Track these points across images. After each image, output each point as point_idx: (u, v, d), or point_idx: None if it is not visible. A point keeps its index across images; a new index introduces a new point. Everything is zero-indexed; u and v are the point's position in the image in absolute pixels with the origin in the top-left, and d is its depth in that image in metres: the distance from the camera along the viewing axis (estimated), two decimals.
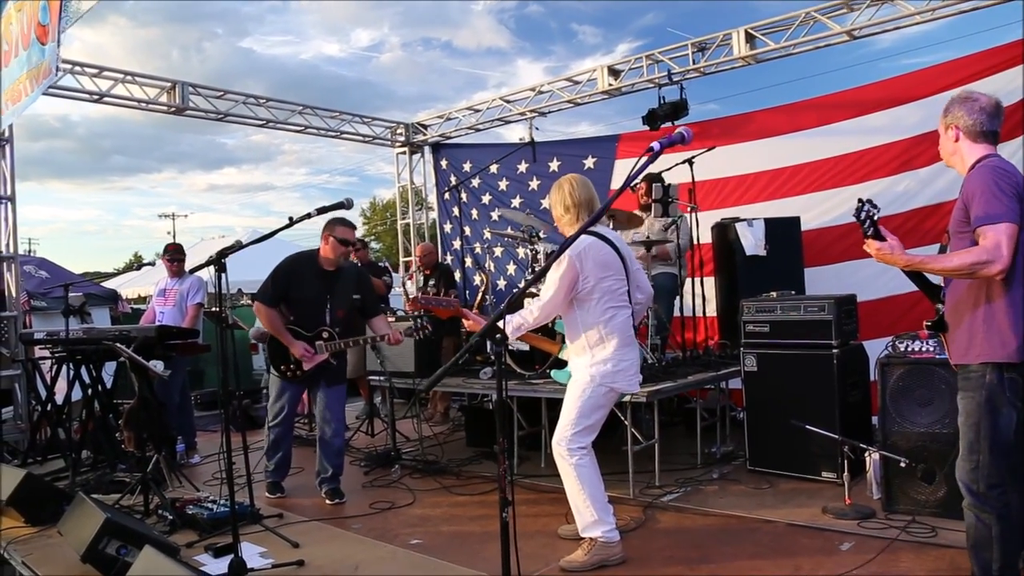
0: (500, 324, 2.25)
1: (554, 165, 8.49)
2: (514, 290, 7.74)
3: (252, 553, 3.69)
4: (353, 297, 4.91)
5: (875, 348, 4.46)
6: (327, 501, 4.87)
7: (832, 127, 6.56)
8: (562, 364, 3.91)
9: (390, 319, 6.18)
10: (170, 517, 4.25)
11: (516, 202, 8.78)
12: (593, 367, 3.55)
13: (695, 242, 6.19)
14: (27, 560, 3.80)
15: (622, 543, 3.62)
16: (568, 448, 3.56)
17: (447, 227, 9.97)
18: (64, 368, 5.72)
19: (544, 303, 3.50)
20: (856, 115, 6.42)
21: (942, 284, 2.89)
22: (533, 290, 4.52)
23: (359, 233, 6.32)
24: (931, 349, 3.89)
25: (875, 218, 2.68)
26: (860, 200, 2.69)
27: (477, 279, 9.01)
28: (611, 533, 3.57)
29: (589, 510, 3.56)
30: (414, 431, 6.40)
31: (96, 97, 7.33)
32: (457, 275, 8.46)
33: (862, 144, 6.33)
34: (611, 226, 5.52)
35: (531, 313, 3.52)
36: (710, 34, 7.14)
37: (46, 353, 6.57)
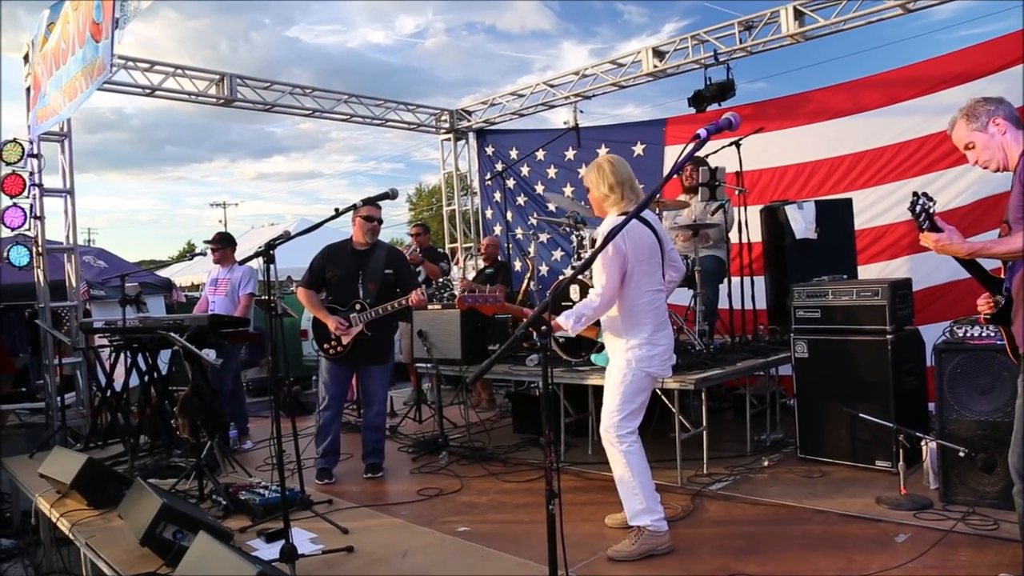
0: (545, 315, 2.24)
1: (602, 152, 8.40)
2: (559, 276, 7.71)
3: (303, 539, 3.76)
4: (385, 272, 5.16)
5: (932, 333, 4.32)
6: (364, 475, 5.24)
7: (897, 107, 6.26)
8: (601, 348, 3.89)
9: (436, 306, 6.22)
10: (223, 502, 4.35)
11: (568, 190, 8.72)
12: (629, 351, 3.54)
13: (742, 232, 6.02)
14: (90, 542, 3.93)
15: (670, 533, 3.59)
16: (618, 435, 3.55)
17: (488, 213, 9.99)
18: (122, 356, 5.89)
19: (602, 291, 3.47)
20: (923, 92, 6.10)
21: (1002, 275, 2.78)
22: (581, 278, 4.51)
23: (406, 218, 6.39)
24: (991, 334, 3.75)
25: (931, 211, 2.61)
26: (915, 193, 2.62)
27: (518, 265, 9.02)
28: (660, 523, 3.54)
29: (638, 497, 3.54)
30: (461, 418, 6.45)
31: (148, 91, 7.52)
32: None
33: (928, 128, 6.03)
34: (657, 211, 5.47)
35: (591, 304, 3.49)
36: (757, 12, 6.97)
37: (105, 341, 6.79)
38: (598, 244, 3.59)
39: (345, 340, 5.05)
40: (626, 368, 3.54)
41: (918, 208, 2.61)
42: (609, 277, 3.44)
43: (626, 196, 3.60)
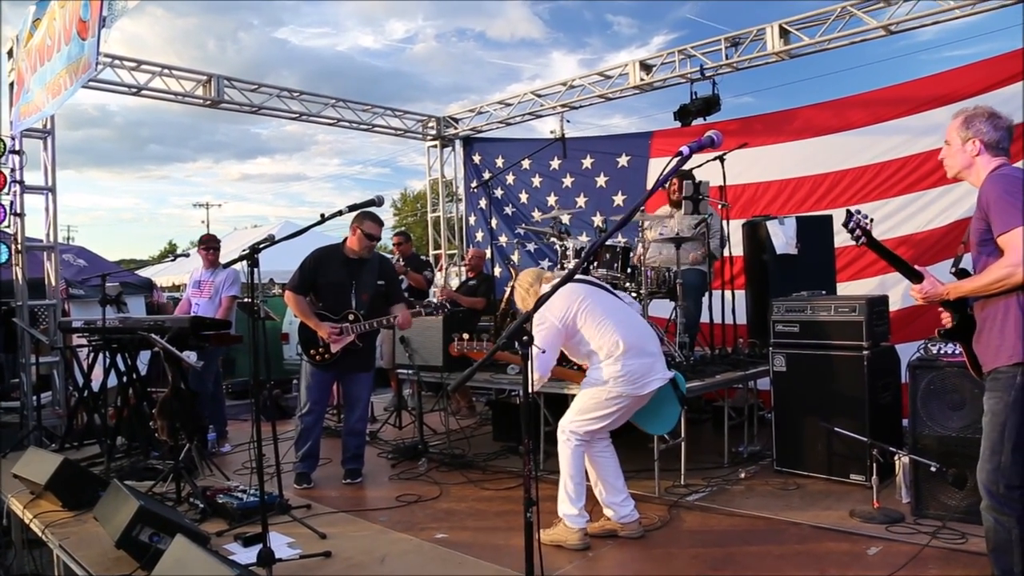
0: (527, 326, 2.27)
1: (587, 162, 8.48)
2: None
3: (280, 543, 3.75)
4: (378, 283, 5.16)
5: (907, 351, 4.40)
6: (343, 480, 5.22)
7: (881, 126, 6.36)
8: None
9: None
10: (201, 506, 4.32)
11: (552, 199, 8.78)
12: (598, 371, 3.81)
13: (726, 246, 6.08)
14: (64, 544, 3.89)
15: (586, 533, 3.80)
16: (562, 430, 3.86)
17: (472, 219, 10.02)
18: (100, 356, 5.84)
19: (540, 363, 3.71)
20: (907, 112, 6.20)
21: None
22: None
23: (390, 223, 6.44)
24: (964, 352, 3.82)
25: (867, 227, 2.71)
26: (849, 211, 2.74)
27: (497, 270, 9.04)
28: (574, 520, 3.78)
29: (562, 492, 3.82)
30: (441, 424, 6.45)
31: (134, 90, 7.48)
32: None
33: (911, 148, 6.14)
34: (640, 222, 5.53)
35: (538, 377, 3.80)
36: (743, 29, 7.06)
37: (83, 341, 6.73)
38: (535, 322, 3.79)
39: (335, 348, 5.01)
40: (595, 382, 3.81)
41: (852, 223, 2.70)
42: (548, 350, 3.73)
43: (538, 289, 4.01)
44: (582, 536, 3.77)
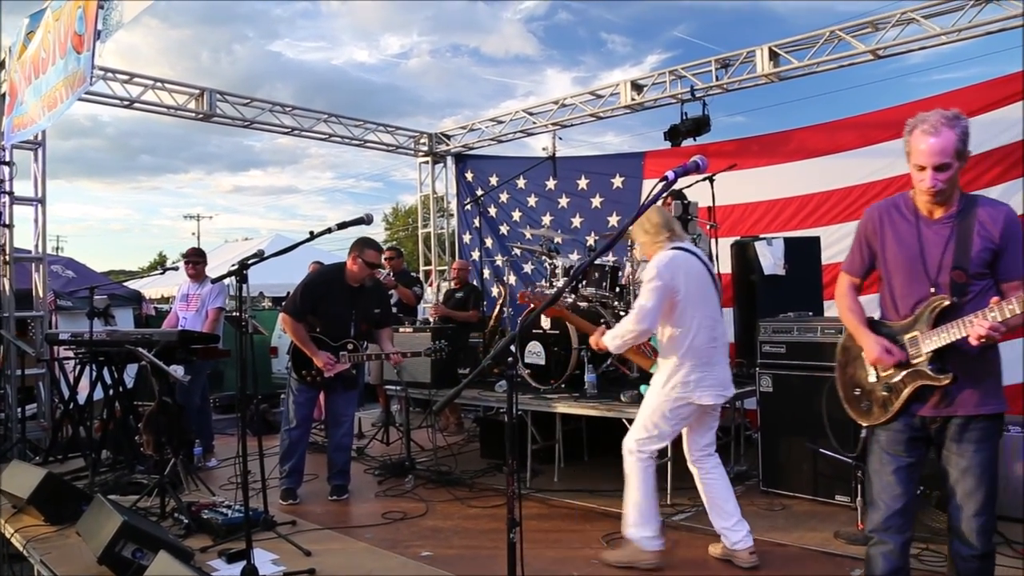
0: (512, 348, 2.28)
1: (582, 183, 8.51)
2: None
3: (264, 560, 3.72)
4: (375, 311, 5.22)
5: None
6: (329, 496, 5.19)
7: (871, 148, 6.43)
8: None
9: (407, 329, 6.25)
10: (185, 521, 4.29)
11: (547, 219, 8.80)
12: (665, 373, 3.69)
13: (714, 267, 6.12)
14: (45, 559, 3.86)
15: (659, 554, 3.71)
16: (629, 449, 3.77)
17: (466, 237, 10.02)
18: (87, 368, 5.81)
19: (639, 316, 3.56)
20: (897, 135, 6.20)
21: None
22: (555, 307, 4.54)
23: (382, 238, 6.48)
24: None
25: None
26: None
27: (495, 291, 9.05)
28: (648, 541, 3.70)
29: (634, 512, 3.72)
30: (429, 441, 6.44)
31: (127, 103, 7.49)
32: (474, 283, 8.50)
33: (897, 169, 6.13)
34: (628, 243, 5.55)
35: (626, 326, 3.61)
36: (734, 51, 7.14)
37: (70, 353, 6.69)
38: (647, 276, 3.67)
39: (328, 374, 5.04)
40: (659, 390, 3.69)
41: None
42: (653, 305, 3.54)
43: (664, 235, 3.76)
44: (655, 555, 3.70)
